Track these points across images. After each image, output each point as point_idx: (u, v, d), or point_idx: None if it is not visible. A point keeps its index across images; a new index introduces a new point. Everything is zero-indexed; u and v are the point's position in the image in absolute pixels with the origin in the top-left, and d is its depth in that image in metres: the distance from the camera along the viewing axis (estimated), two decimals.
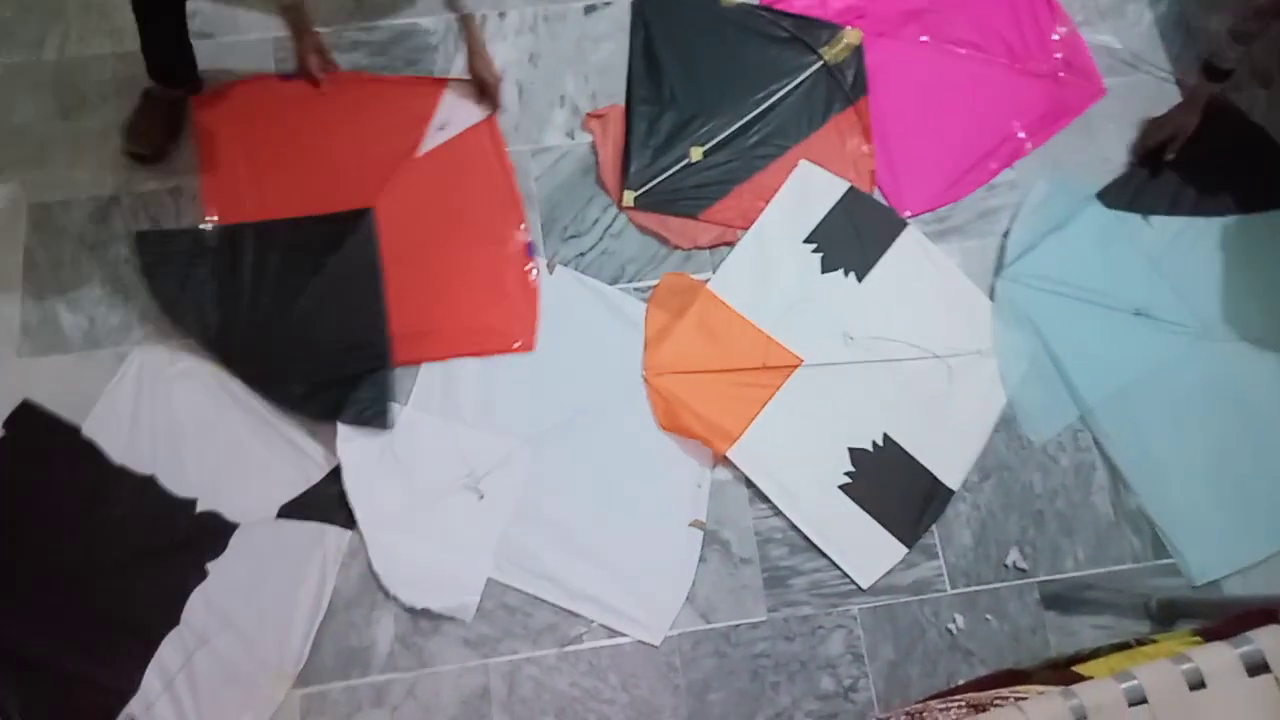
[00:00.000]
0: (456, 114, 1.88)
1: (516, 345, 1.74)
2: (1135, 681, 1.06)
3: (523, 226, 1.80)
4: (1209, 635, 1.26)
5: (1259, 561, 1.66)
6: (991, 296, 1.78)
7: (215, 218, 1.77)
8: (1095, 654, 1.31)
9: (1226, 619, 1.28)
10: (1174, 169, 1.84)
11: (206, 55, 1.83)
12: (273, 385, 1.68)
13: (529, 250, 1.79)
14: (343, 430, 1.64)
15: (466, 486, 1.64)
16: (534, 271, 1.78)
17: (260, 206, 1.79)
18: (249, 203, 1.79)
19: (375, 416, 1.67)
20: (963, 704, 1.22)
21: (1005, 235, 1.82)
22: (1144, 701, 1.04)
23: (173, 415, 1.65)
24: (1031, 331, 1.75)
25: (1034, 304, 1.76)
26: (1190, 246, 1.81)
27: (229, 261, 1.74)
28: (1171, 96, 1.92)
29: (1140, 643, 1.31)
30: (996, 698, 1.20)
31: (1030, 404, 1.73)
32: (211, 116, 1.83)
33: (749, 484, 1.67)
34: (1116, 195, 1.83)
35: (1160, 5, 1.99)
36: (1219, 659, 1.08)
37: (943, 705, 1.24)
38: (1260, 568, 1.66)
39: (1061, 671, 1.27)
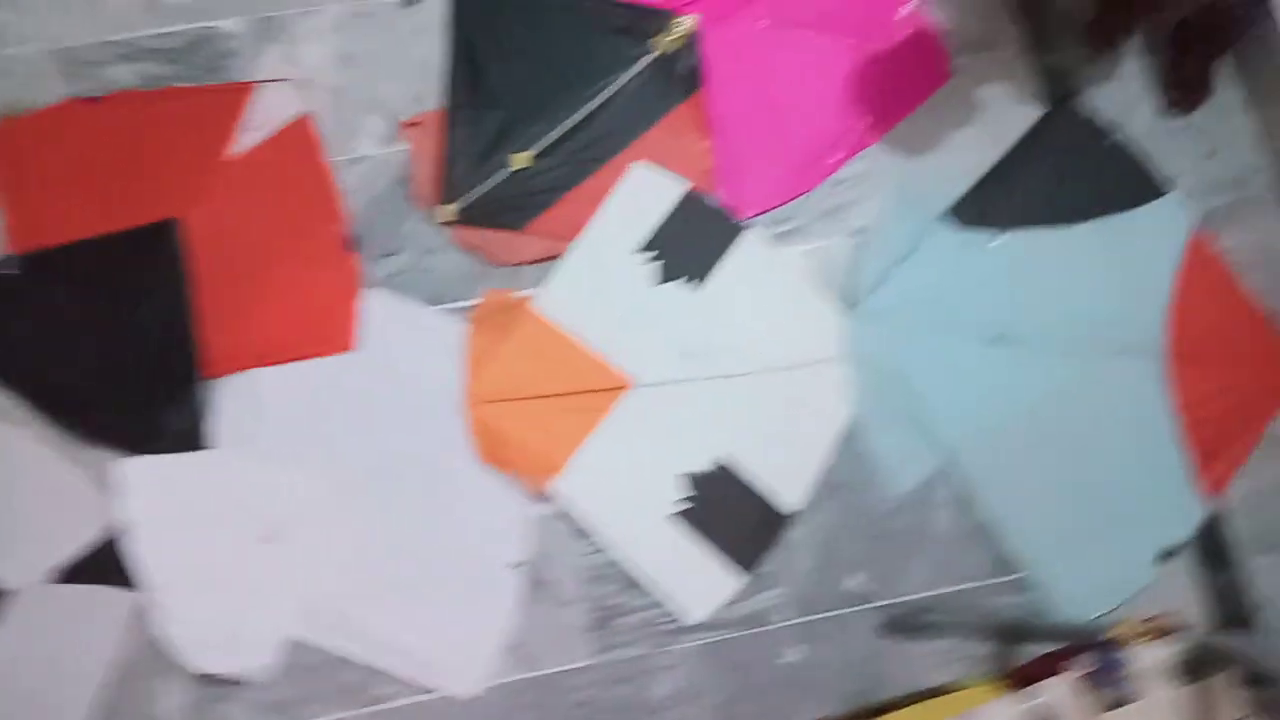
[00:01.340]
0: (267, 116, 1.74)
1: (336, 344, 1.63)
2: None
3: (341, 221, 1.68)
4: (1018, 678, 1.19)
5: (1135, 593, 1.58)
6: (845, 311, 1.67)
7: (13, 250, 1.63)
8: (899, 704, 1.23)
9: (1031, 662, 1.21)
10: (1022, 177, 1.73)
11: None
12: (70, 415, 1.57)
13: (348, 245, 1.66)
14: (126, 479, 1.52)
15: (261, 537, 1.53)
16: (355, 266, 1.66)
17: (61, 232, 1.65)
18: (50, 229, 1.66)
19: (189, 439, 1.56)
20: None
21: (857, 251, 1.70)
22: None
23: None
24: (887, 373, 1.64)
25: (889, 342, 1.65)
26: (1044, 260, 1.70)
27: (28, 290, 1.62)
28: (1022, 75, 1.80)
29: (947, 690, 1.23)
30: None
31: (889, 452, 1.62)
32: (11, 148, 1.68)
33: (574, 518, 1.57)
34: (966, 212, 1.71)
35: None
36: (1006, 715, 1.00)
37: None
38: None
39: None
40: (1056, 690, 1.02)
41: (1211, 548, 1.64)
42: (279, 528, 1.53)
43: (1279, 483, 1.66)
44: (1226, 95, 1.84)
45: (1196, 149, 1.80)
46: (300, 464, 1.57)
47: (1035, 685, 1.05)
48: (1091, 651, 1.10)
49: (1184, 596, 1.61)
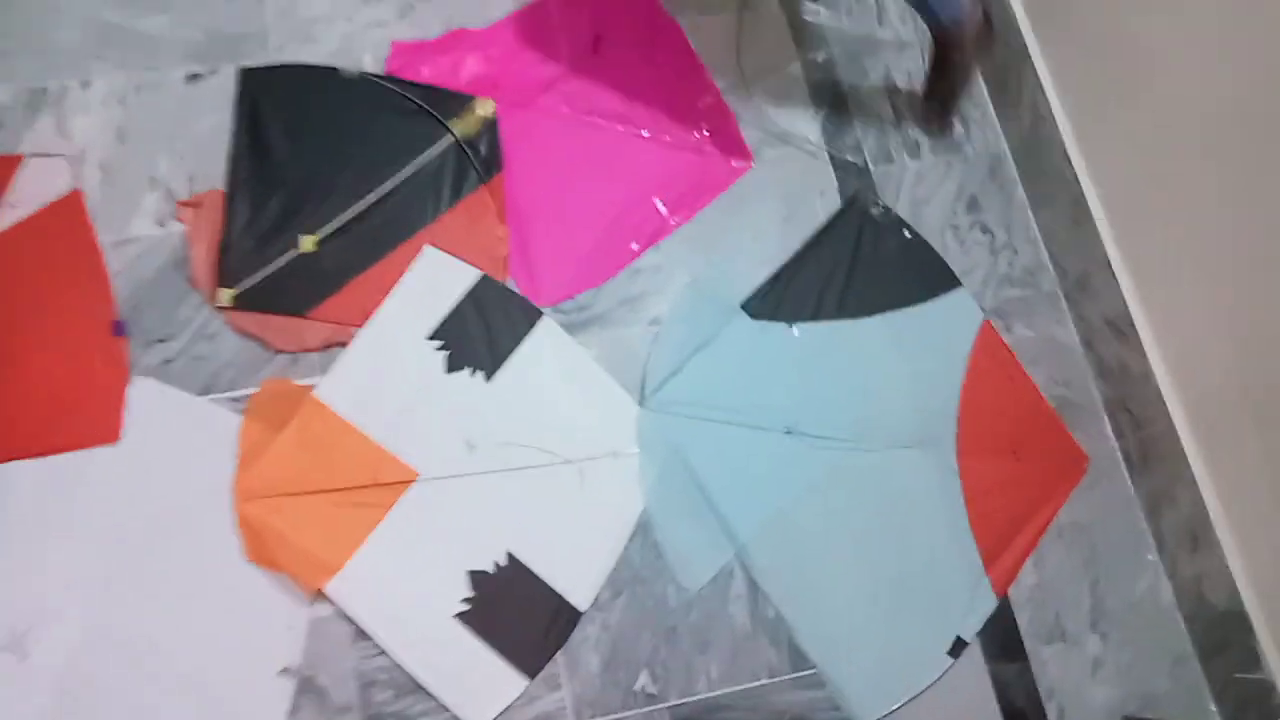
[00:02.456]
0: (33, 190, 1.63)
1: (99, 435, 1.52)
2: None
3: (111, 304, 1.58)
4: None
5: (923, 689, 1.59)
6: (639, 402, 1.66)
7: None
8: None
9: None
10: (818, 269, 1.76)
11: None
12: None
13: (116, 328, 1.57)
14: None
15: (5, 648, 1.40)
16: (123, 351, 1.56)
17: None
18: None
19: None
20: None
21: (653, 342, 1.69)
22: None
23: None
24: (680, 466, 1.62)
25: (681, 434, 1.64)
26: (837, 352, 1.72)
27: None
28: (821, 171, 1.84)
29: None
30: None
31: (681, 546, 1.60)
32: None
33: (351, 620, 1.49)
34: (761, 304, 1.73)
35: (814, 74, 1.92)
36: None
37: None
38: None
39: None
40: None
41: (1000, 638, 1.66)
42: (22, 637, 1.41)
43: (1063, 573, 1.70)
44: (1017, 193, 1.92)
45: (989, 245, 1.87)
46: (53, 565, 1.46)
47: None
48: None
49: (976, 687, 1.63)
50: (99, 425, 1.53)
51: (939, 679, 1.60)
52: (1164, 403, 1.67)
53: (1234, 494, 1.58)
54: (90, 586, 1.46)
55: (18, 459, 1.51)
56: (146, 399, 1.55)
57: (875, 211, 1.83)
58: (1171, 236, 1.62)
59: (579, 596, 1.55)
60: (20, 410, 1.53)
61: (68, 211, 1.63)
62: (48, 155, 1.65)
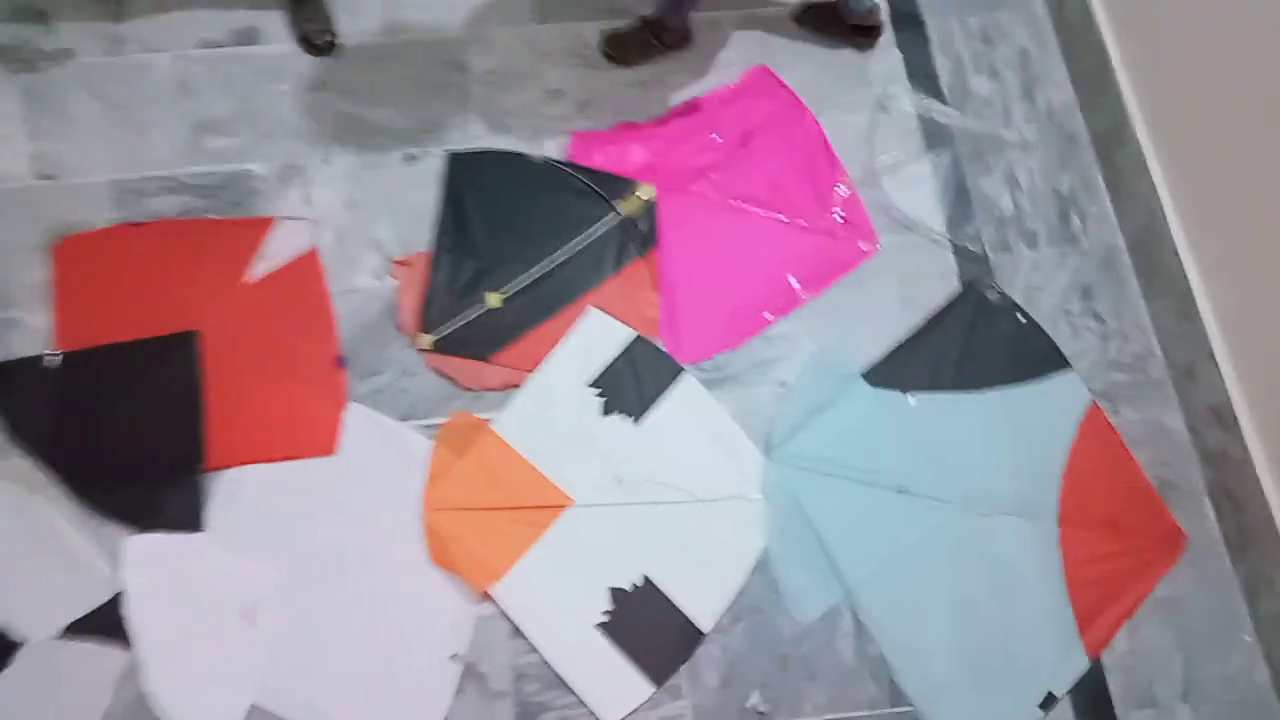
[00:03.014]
0: (282, 247, 2.03)
1: (320, 448, 1.87)
2: None
3: (335, 342, 1.94)
4: None
5: None
6: (765, 454, 1.88)
7: (60, 348, 1.91)
8: None
9: None
10: (936, 345, 1.96)
11: (49, 200, 2.00)
12: (91, 491, 1.82)
13: (339, 362, 1.92)
14: (130, 553, 1.75)
15: (241, 614, 1.74)
16: (343, 382, 1.91)
17: (101, 335, 1.94)
18: (91, 332, 1.94)
19: (187, 521, 1.80)
20: None
21: (780, 401, 1.92)
22: None
23: None
24: (799, 513, 1.84)
25: (801, 485, 1.85)
26: (950, 421, 1.91)
27: (66, 383, 1.89)
28: (942, 256, 2.04)
29: None
30: None
31: (796, 585, 1.81)
32: (65, 261, 1.99)
33: (510, 620, 1.76)
34: (880, 373, 1.94)
35: (941, 170, 2.13)
36: None
37: None
38: None
39: None
40: None
41: (1092, 700, 1.78)
42: (254, 606, 1.75)
43: (1157, 644, 1.81)
44: (1130, 285, 2.06)
45: (1100, 331, 2.02)
46: (277, 552, 1.80)
47: None
48: None
49: None
50: (320, 440, 1.88)
51: None
52: (1263, 490, 1.77)
53: None
54: (306, 570, 1.78)
55: (254, 463, 1.86)
56: (358, 421, 1.89)
57: (991, 295, 2.01)
58: (1274, 333, 1.74)
59: (703, 619, 1.78)
60: (258, 423, 1.89)
61: (307, 265, 2.01)
62: (294, 219, 2.04)
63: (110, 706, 1.67)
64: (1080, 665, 1.78)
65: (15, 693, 1.68)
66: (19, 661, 1.70)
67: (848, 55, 2.24)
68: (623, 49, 2.18)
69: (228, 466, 1.85)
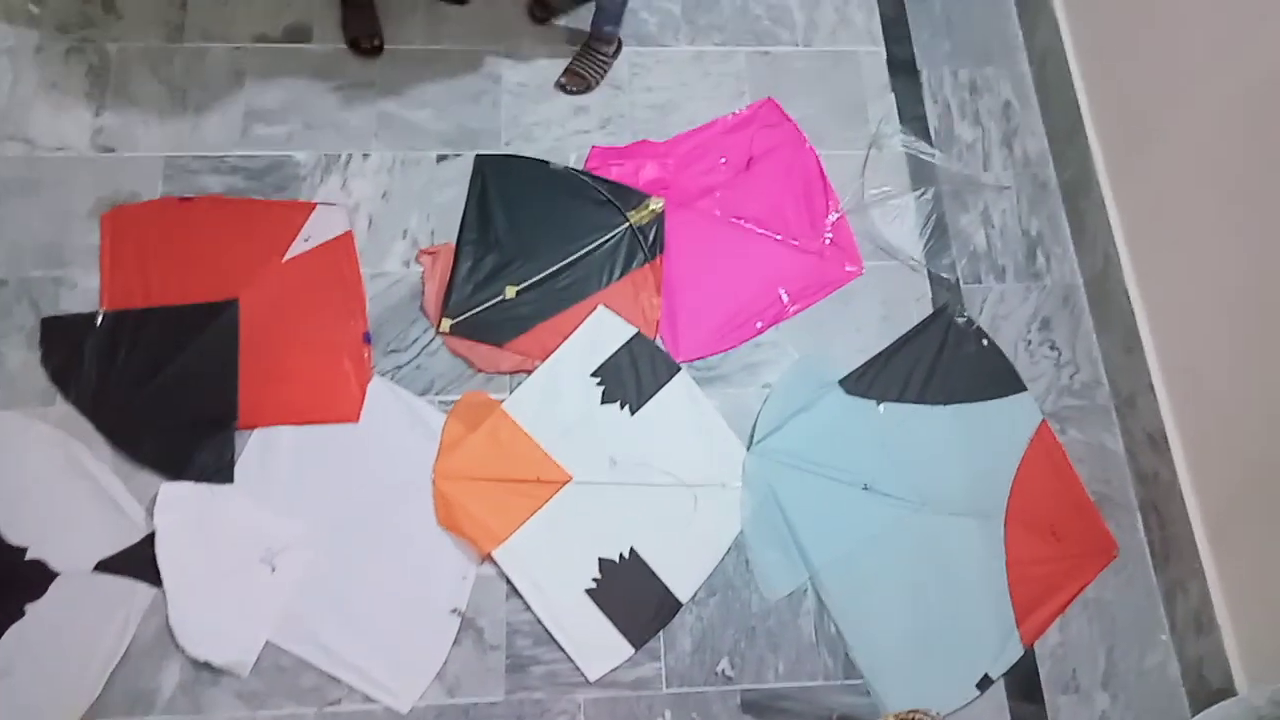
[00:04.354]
0: (320, 230, 2.21)
1: (344, 415, 2.05)
2: None
3: (364, 320, 2.12)
4: None
5: (949, 713, 1.93)
6: (746, 447, 2.08)
7: (106, 307, 2.08)
8: None
9: None
10: (906, 361, 2.17)
11: (105, 171, 2.17)
12: (129, 441, 1.99)
13: (366, 338, 2.10)
14: (163, 499, 1.92)
15: (262, 560, 1.92)
16: (368, 356, 2.09)
17: (145, 298, 2.11)
18: (136, 295, 2.11)
19: (218, 473, 1.97)
20: None
21: (764, 399, 2.12)
22: None
23: (19, 474, 1.93)
24: (772, 501, 2.03)
25: (777, 477, 2.05)
26: (914, 430, 2.12)
27: (111, 340, 2.06)
28: (919, 282, 2.26)
29: None
30: None
31: (767, 565, 2.01)
32: (115, 228, 2.16)
33: (508, 581, 1.95)
34: (855, 383, 2.15)
35: (924, 205, 2.34)
36: None
37: None
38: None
39: None
40: None
41: (1023, 683, 1.99)
42: (275, 554, 1.92)
43: (1084, 638, 2.02)
44: (1084, 320, 2.29)
45: (1055, 360, 2.24)
46: (298, 506, 1.97)
47: None
48: None
49: (996, 719, 1.96)
50: (345, 407, 2.06)
51: (964, 706, 1.94)
52: (1186, 509, 1.99)
53: (1236, 591, 1.89)
54: (324, 524, 1.96)
55: (283, 425, 2.04)
56: (380, 393, 2.08)
57: (960, 320, 2.23)
58: (1207, 374, 1.96)
59: (682, 591, 1.97)
60: (289, 389, 2.07)
61: (341, 248, 2.19)
62: (332, 205, 2.22)
63: (137, 636, 1.84)
64: (1015, 652, 1.99)
65: (50, 619, 1.84)
66: (54, 591, 1.86)
67: (848, 95, 2.46)
68: (576, 76, 2.39)
69: (258, 426, 2.02)
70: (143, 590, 1.87)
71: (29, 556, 1.87)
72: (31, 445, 1.96)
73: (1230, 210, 1.89)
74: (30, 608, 1.84)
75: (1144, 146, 2.14)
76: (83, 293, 2.10)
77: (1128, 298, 2.16)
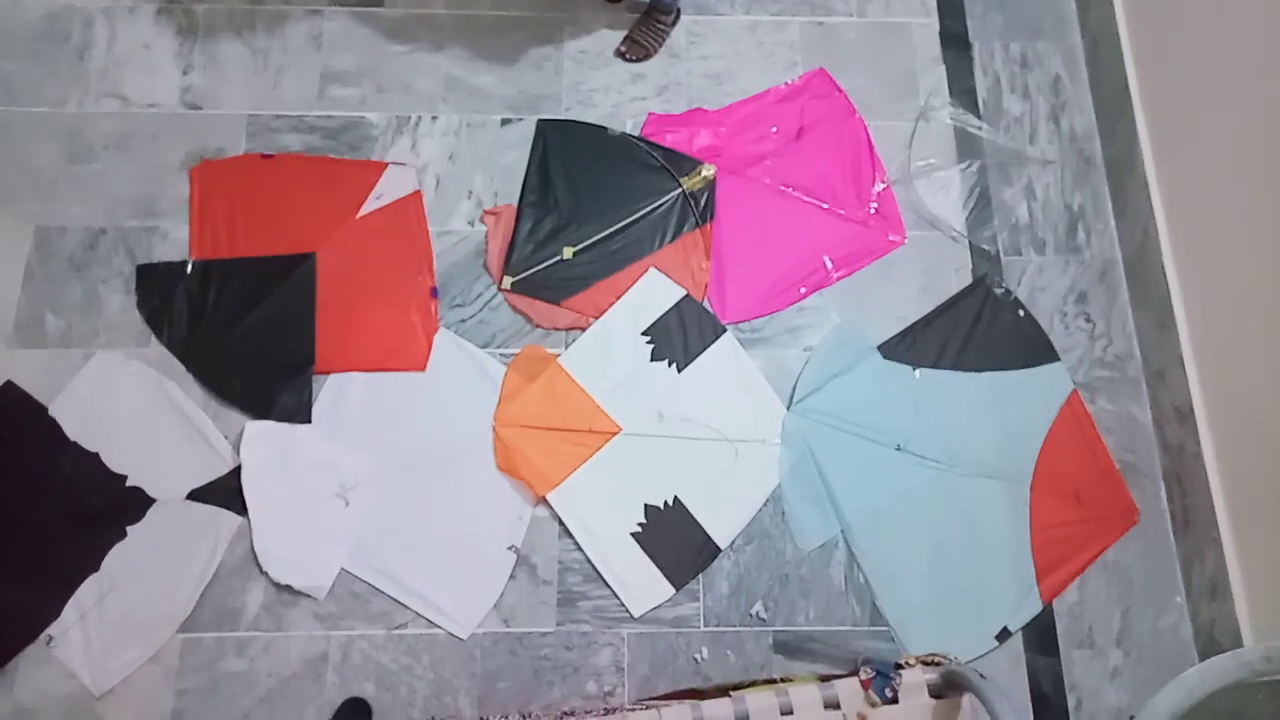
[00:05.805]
0: (391, 189, 2.34)
1: (413, 364, 2.20)
2: (744, 705, 1.51)
3: (431, 275, 2.27)
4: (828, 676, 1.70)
5: (974, 659, 2.06)
6: (786, 406, 2.20)
7: (195, 256, 2.25)
8: (753, 684, 1.74)
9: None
10: (944, 329, 2.27)
11: (193, 127, 2.32)
12: (217, 381, 2.16)
13: (433, 293, 2.25)
14: (248, 436, 2.10)
15: (337, 494, 2.09)
16: (435, 309, 2.24)
17: (230, 249, 2.27)
18: (222, 246, 2.27)
19: (298, 413, 2.14)
20: (645, 705, 1.66)
21: (805, 361, 2.24)
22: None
23: (119, 408, 2.12)
24: (809, 458, 2.16)
25: (814, 435, 2.17)
26: (948, 395, 2.22)
27: (200, 287, 2.23)
28: (959, 253, 2.34)
29: (786, 680, 1.74)
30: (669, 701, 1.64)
31: (802, 517, 2.14)
32: (202, 182, 2.31)
33: (560, 522, 2.10)
34: (893, 348, 2.25)
35: (969, 177, 2.41)
36: (806, 696, 1.52)
37: (631, 707, 1.68)
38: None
39: (725, 692, 1.70)
40: (845, 686, 1.53)
41: (1040, 637, 2.11)
42: (348, 489, 2.09)
43: (1102, 598, 2.13)
44: (1121, 295, 2.36)
45: (1090, 332, 2.32)
46: (369, 446, 2.14)
47: (834, 680, 1.56)
48: (875, 666, 1.60)
49: (1012, 669, 2.09)
50: (413, 356, 2.21)
51: (983, 656, 2.07)
52: (1208, 480, 2.08)
53: (1251, 560, 1.98)
54: (392, 464, 2.13)
55: (356, 371, 2.20)
56: (445, 344, 2.22)
57: (998, 291, 2.31)
58: (1237, 354, 2.03)
59: (721, 538, 2.11)
60: (362, 338, 2.22)
61: (411, 206, 2.33)
62: (402, 165, 2.36)
63: (224, 559, 2.04)
64: (1035, 608, 2.11)
65: (147, 542, 2.04)
66: (151, 515, 2.05)
67: (899, 67, 2.52)
68: (635, 45, 2.47)
69: (333, 371, 2.18)
70: (229, 518, 2.06)
71: (129, 483, 2.07)
72: (130, 382, 2.14)
73: (1270, 200, 1.94)
74: (131, 529, 2.04)
75: (1190, 130, 2.19)
76: (173, 242, 2.26)
77: (1164, 275, 2.22)
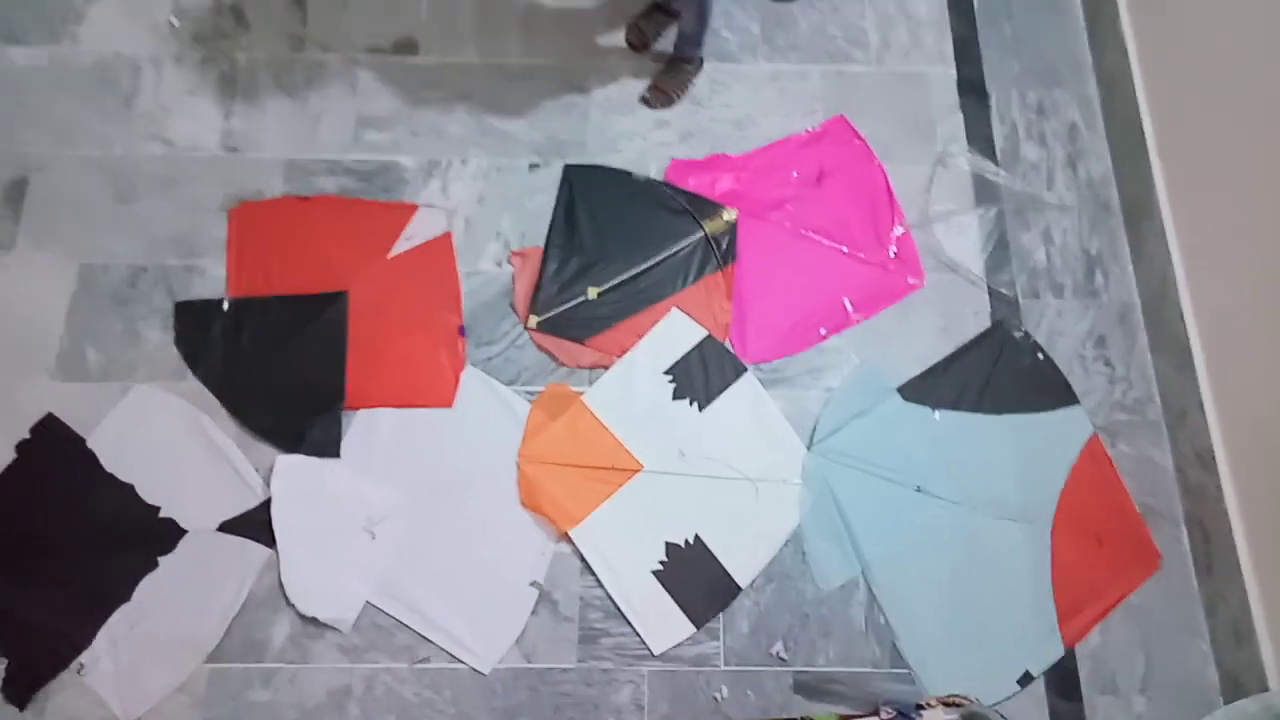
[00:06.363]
0: (421, 230, 2.41)
1: (440, 400, 2.25)
2: None
3: (459, 314, 2.32)
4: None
5: (995, 704, 2.04)
6: (807, 446, 2.23)
7: (231, 294, 2.32)
8: None
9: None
10: (961, 372, 2.29)
11: (233, 170, 2.41)
12: (249, 415, 2.21)
13: (461, 331, 2.30)
14: (278, 469, 2.15)
15: (364, 527, 2.13)
16: (462, 348, 2.29)
17: (266, 287, 2.34)
18: (258, 284, 2.34)
19: (328, 448, 2.18)
20: None
21: (825, 402, 2.26)
22: None
23: (154, 440, 2.17)
24: (830, 498, 2.18)
25: (835, 476, 2.19)
26: (968, 437, 2.24)
27: (235, 324, 2.30)
28: (978, 296, 2.38)
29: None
30: None
31: (822, 557, 2.15)
32: (240, 223, 2.39)
33: (582, 558, 2.13)
34: (913, 390, 2.28)
35: (986, 222, 2.45)
36: None
37: None
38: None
39: None
40: None
41: (1062, 682, 2.10)
42: (375, 523, 2.13)
43: (1125, 643, 2.12)
44: (1139, 338, 2.37)
45: (1109, 375, 2.33)
46: (397, 481, 2.18)
47: (855, 717, 1.57)
48: (896, 706, 1.61)
49: (1033, 714, 2.08)
50: (440, 393, 2.26)
51: (1004, 701, 2.07)
52: (1230, 524, 2.07)
53: (1275, 603, 1.97)
54: (419, 498, 2.16)
55: (384, 407, 2.24)
56: (472, 381, 2.27)
57: (1017, 334, 2.34)
58: (1257, 397, 2.04)
59: (741, 577, 2.13)
60: (391, 375, 2.27)
61: (441, 247, 2.39)
62: (433, 207, 2.42)
63: (253, 591, 2.07)
64: (1056, 652, 2.10)
65: (178, 572, 2.08)
66: (182, 546, 2.10)
67: (917, 114, 2.58)
68: (660, 92, 2.54)
69: (362, 407, 2.23)
70: (258, 550, 2.10)
71: (162, 514, 2.11)
72: (165, 416, 2.20)
73: None
74: (163, 560, 2.08)
75: (1206, 174, 2.22)
76: (212, 280, 2.33)
77: (1182, 318, 2.24)
